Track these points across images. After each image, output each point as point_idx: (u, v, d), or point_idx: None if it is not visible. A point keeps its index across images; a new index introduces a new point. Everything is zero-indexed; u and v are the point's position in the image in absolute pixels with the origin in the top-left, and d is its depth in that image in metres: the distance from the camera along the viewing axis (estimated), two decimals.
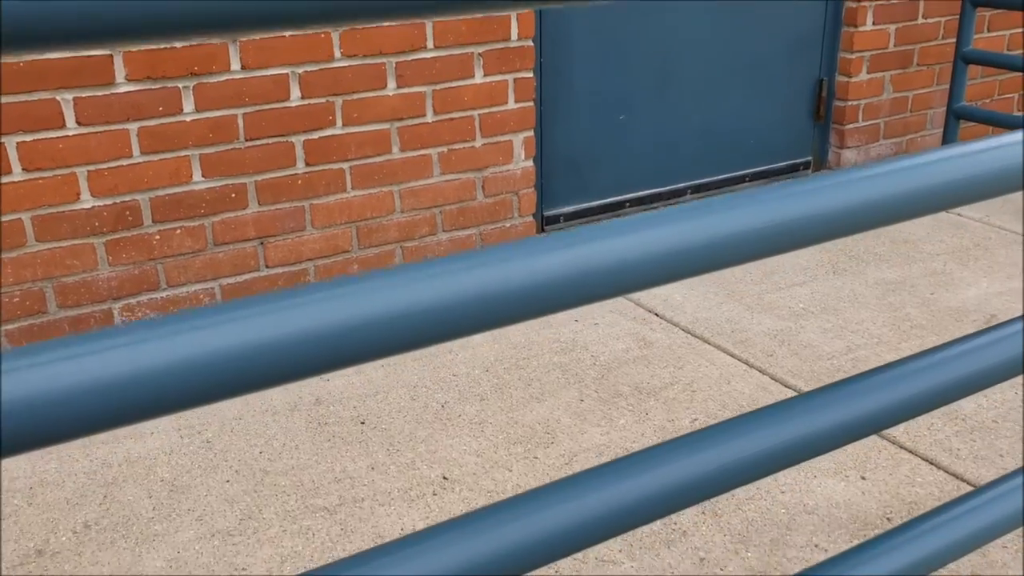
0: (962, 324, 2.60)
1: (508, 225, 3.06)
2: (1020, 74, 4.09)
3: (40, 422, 0.54)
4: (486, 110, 2.87)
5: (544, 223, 3.28)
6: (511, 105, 2.91)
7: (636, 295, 2.81)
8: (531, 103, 2.95)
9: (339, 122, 2.67)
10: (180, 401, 0.59)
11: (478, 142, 2.90)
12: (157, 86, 2.42)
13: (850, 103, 3.67)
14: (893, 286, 2.83)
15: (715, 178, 3.60)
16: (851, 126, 3.71)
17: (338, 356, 0.64)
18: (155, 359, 0.58)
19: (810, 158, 3.80)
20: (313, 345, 0.63)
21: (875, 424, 0.95)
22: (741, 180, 3.67)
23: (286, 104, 2.59)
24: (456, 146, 2.86)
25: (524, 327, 2.62)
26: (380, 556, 0.71)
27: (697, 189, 3.58)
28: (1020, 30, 4.05)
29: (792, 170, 3.77)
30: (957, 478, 1.96)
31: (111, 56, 2.34)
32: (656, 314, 2.71)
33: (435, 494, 1.92)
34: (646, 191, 3.47)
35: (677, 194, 3.55)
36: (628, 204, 3.45)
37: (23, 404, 0.54)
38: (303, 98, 2.61)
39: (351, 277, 0.66)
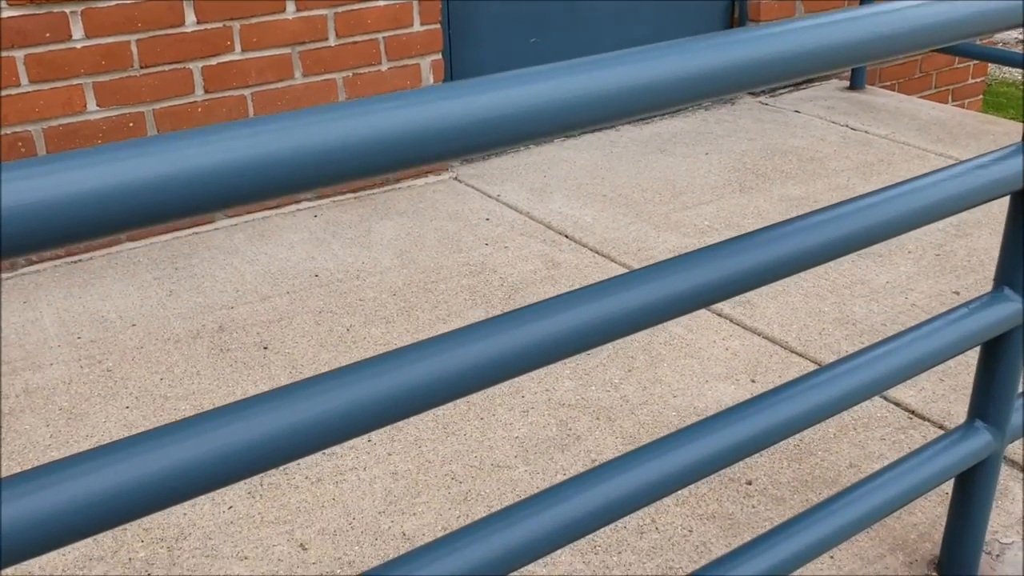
0: None
1: None
2: None
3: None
4: (391, 33, 2.84)
5: None
6: (417, 27, 2.88)
7: (547, 219, 2.83)
8: (437, 25, 2.92)
9: (238, 47, 2.62)
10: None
11: (384, 66, 2.86)
12: (42, 11, 2.34)
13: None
14: (796, 202, 2.89)
15: None
16: None
17: (267, 186, 0.68)
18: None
19: None
20: (260, 171, 0.68)
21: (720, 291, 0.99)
22: None
23: (181, 29, 2.53)
24: (361, 70, 2.83)
25: (433, 252, 2.63)
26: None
27: None
28: None
29: None
30: None
31: None
32: (566, 235, 2.74)
33: None
34: None
35: None
36: None
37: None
38: (199, 23, 2.55)
39: (272, 116, 0.70)
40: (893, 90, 4.18)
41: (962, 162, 1.20)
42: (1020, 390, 1.40)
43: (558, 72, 0.83)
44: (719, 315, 2.28)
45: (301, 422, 0.76)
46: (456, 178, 3.12)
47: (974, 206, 1.20)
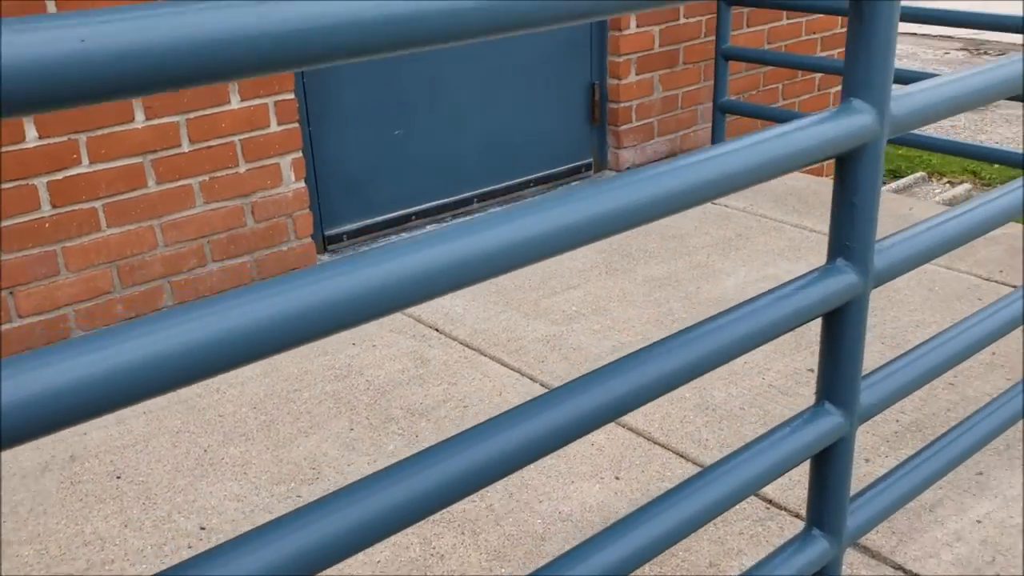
0: None
1: (285, 249, 3.00)
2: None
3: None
4: (247, 135, 2.81)
5: (326, 243, 3.24)
6: (274, 128, 2.86)
7: (417, 312, 2.82)
8: (296, 124, 2.91)
9: (85, 160, 2.55)
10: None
11: (242, 168, 2.83)
12: None
13: (622, 104, 3.81)
14: (660, 282, 2.96)
15: (500, 185, 3.66)
16: (625, 127, 3.84)
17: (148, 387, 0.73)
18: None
19: (591, 159, 3.92)
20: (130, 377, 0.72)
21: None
22: (526, 185, 3.74)
23: (22, 146, 2.45)
24: (218, 174, 2.79)
25: (298, 356, 2.58)
26: None
27: (483, 197, 3.63)
28: (779, 24, 4.31)
29: (574, 172, 3.88)
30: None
31: None
32: (436, 329, 2.73)
33: (190, 547, 1.86)
34: (432, 203, 3.49)
35: (463, 203, 3.58)
36: (414, 217, 3.46)
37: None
38: (41, 138, 2.47)
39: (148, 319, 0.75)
40: None
41: (780, 285, 1.25)
42: (851, 494, 1.44)
43: (430, 241, 0.87)
44: None
45: None
46: None
47: (796, 327, 1.25)
